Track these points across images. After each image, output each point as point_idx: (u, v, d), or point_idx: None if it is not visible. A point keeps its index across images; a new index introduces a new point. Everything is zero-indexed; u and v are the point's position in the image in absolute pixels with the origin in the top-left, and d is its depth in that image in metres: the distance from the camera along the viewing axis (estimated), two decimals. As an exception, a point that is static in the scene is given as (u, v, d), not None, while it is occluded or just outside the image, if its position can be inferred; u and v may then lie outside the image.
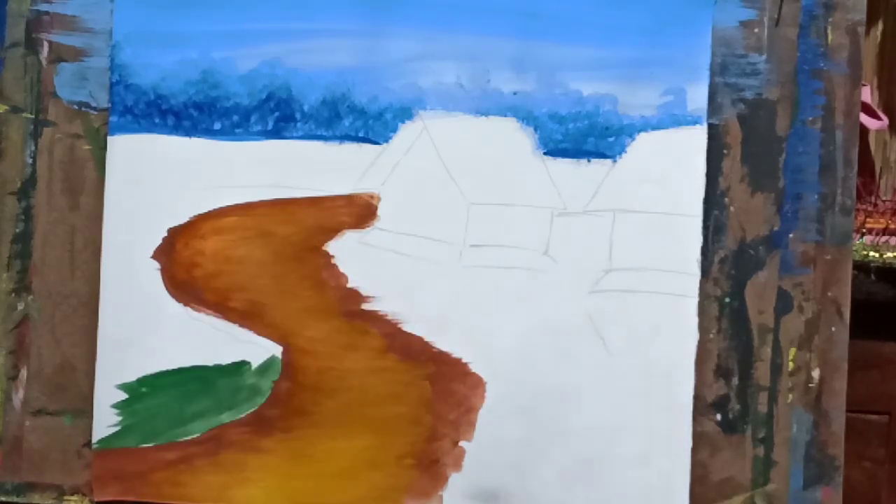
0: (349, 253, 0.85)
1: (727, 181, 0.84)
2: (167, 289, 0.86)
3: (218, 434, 0.85)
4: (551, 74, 0.84)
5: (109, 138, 0.86)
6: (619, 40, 0.83)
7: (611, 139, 0.84)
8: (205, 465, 0.86)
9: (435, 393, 0.84)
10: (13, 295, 0.87)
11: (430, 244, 0.84)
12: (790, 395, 0.84)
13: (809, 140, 0.83)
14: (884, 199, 1.07)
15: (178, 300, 0.85)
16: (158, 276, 0.86)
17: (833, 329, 0.83)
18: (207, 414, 0.85)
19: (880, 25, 1.12)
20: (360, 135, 0.85)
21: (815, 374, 0.83)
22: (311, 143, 0.85)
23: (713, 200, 0.84)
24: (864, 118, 1.00)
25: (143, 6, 0.86)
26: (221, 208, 0.85)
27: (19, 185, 0.87)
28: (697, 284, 0.83)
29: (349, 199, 0.85)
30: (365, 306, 0.85)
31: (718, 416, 0.84)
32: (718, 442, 0.84)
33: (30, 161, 0.87)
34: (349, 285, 0.85)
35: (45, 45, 0.87)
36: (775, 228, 0.84)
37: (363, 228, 0.85)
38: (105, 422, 0.86)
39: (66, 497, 0.87)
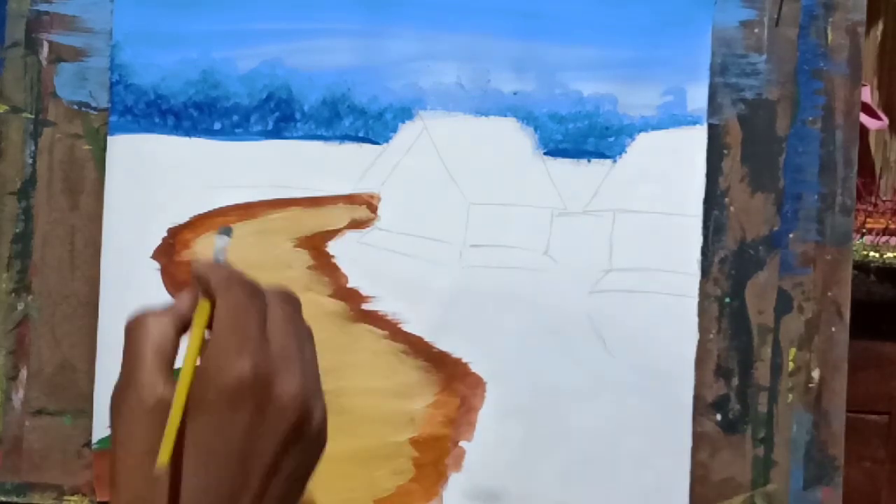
0: (349, 253, 0.85)
1: (727, 181, 0.84)
2: (167, 289, 0.86)
3: (218, 434, 0.85)
4: (551, 74, 0.84)
5: (109, 138, 0.86)
6: (619, 40, 0.83)
7: (611, 139, 0.84)
8: (205, 465, 0.85)
9: (435, 393, 0.84)
10: (13, 295, 0.87)
11: (430, 244, 0.84)
12: (790, 395, 0.84)
13: (809, 140, 0.83)
14: (884, 199, 1.07)
15: (178, 300, 0.85)
16: (158, 276, 0.86)
17: (833, 329, 0.83)
18: (207, 414, 0.85)
19: (880, 25, 1.12)
20: (360, 135, 0.85)
21: (815, 374, 0.83)
22: (311, 143, 0.85)
23: (713, 200, 0.84)
24: (864, 118, 1.00)
25: (143, 6, 0.86)
26: (221, 208, 0.85)
27: (19, 185, 0.87)
28: (697, 284, 0.83)
29: (349, 199, 0.85)
30: (365, 306, 0.85)
31: (718, 416, 0.84)
32: (718, 442, 0.84)
33: (30, 161, 0.87)
34: (349, 285, 0.85)
35: (45, 45, 0.87)
36: (775, 228, 0.84)
37: (363, 228, 0.85)
38: (105, 422, 0.86)
39: (66, 497, 0.87)
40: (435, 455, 0.84)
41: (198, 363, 0.50)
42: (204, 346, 0.50)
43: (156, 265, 0.86)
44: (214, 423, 0.48)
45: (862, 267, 0.95)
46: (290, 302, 0.53)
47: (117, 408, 0.50)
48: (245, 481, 0.49)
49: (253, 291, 0.51)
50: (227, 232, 0.56)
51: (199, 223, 0.85)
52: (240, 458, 0.49)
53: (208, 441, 0.48)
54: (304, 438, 0.51)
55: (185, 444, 0.48)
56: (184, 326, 0.52)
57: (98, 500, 0.86)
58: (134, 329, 0.51)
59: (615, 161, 0.84)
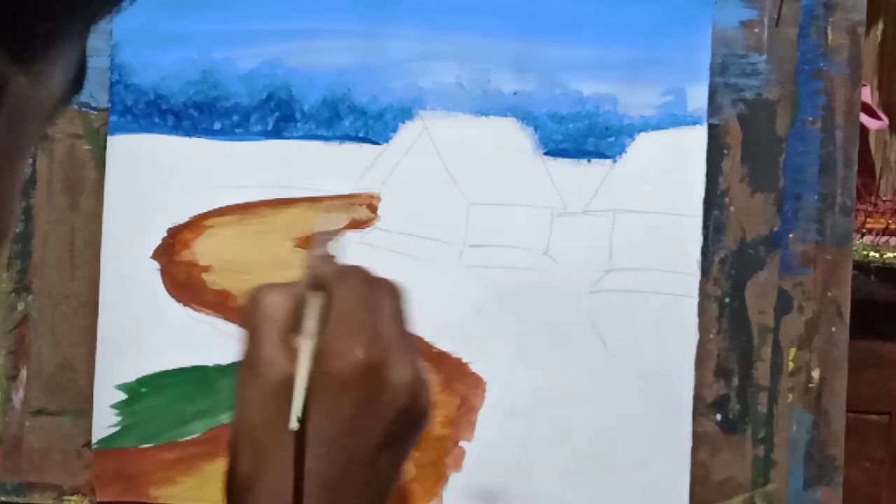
0: (349, 253, 0.85)
1: (727, 181, 0.84)
2: (167, 289, 0.86)
3: (218, 434, 0.85)
4: (551, 74, 0.84)
5: (109, 138, 0.86)
6: (619, 40, 0.83)
7: (611, 139, 0.83)
8: (205, 466, 0.85)
9: (435, 393, 0.84)
10: (13, 295, 0.87)
11: (430, 244, 0.84)
12: (790, 395, 0.84)
13: (809, 140, 0.83)
14: (884, 199, 1.07)
15: (178, 300, 0.85)
16: (158, 276, 0.86)
17: (833, 329, 0.83)
18: (207, 414, 0.85)
19: (880, 25, 1.12)
20: (361, 135, 0.85)
21: (815, 374, 0.83)
22: (311, 143, 0.85)
23: (713, 200, 0.84)
24: (864, 118, 1.00)
25: (143, 6, 0.85)
26: (221, 208, 0.85)
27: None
28: (697, 284, 0.83)
29: (349, 199, 0.85)
30: (365, 306, 0.84)
31: (718, 416, 0.84)
32: (718, 442, 0.84)
33: (30, 161, 0.87)
34: (349, 285, 0.85)
35: (45, 45, 0.87)
36: (775, 228, 0.84)
37: (363, 228, 0.85)
38: (105, 422, 0.86)
39: (66, 497, 0.87)
40: (435, 455, 0.84)
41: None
42: (321, 333, 0.54)
43: (156, 265, 0.86)
44: (329, 404, 0.53)
45: (862, 267, 0.95)
46: (398, 294, 0.58)
47: (242, 383, 0.54)
48: (355, 456, 0.53)
49: (366, 283, 0.57)
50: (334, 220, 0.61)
51: (199, 223, 0.85)
52: (351, 435, 0.53)
53: (322, 419, 0.53)
54: (410, 421, 0.56)
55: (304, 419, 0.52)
56: (300, 306, 0.56)
57: (98, 500, 0.86)
58: (255, 305, 0.55)
59: (615, 161, 0.84)
